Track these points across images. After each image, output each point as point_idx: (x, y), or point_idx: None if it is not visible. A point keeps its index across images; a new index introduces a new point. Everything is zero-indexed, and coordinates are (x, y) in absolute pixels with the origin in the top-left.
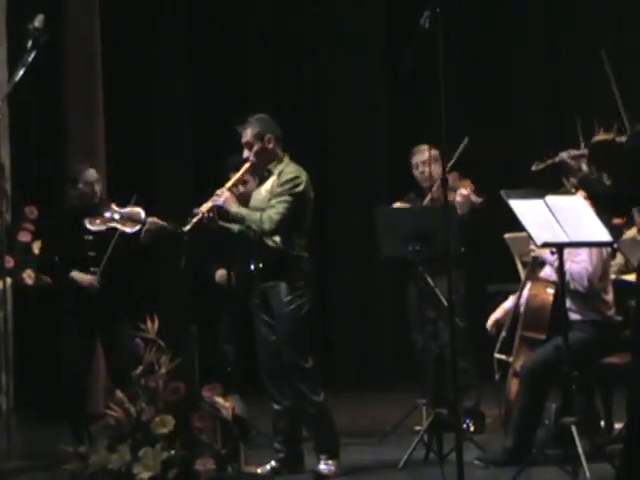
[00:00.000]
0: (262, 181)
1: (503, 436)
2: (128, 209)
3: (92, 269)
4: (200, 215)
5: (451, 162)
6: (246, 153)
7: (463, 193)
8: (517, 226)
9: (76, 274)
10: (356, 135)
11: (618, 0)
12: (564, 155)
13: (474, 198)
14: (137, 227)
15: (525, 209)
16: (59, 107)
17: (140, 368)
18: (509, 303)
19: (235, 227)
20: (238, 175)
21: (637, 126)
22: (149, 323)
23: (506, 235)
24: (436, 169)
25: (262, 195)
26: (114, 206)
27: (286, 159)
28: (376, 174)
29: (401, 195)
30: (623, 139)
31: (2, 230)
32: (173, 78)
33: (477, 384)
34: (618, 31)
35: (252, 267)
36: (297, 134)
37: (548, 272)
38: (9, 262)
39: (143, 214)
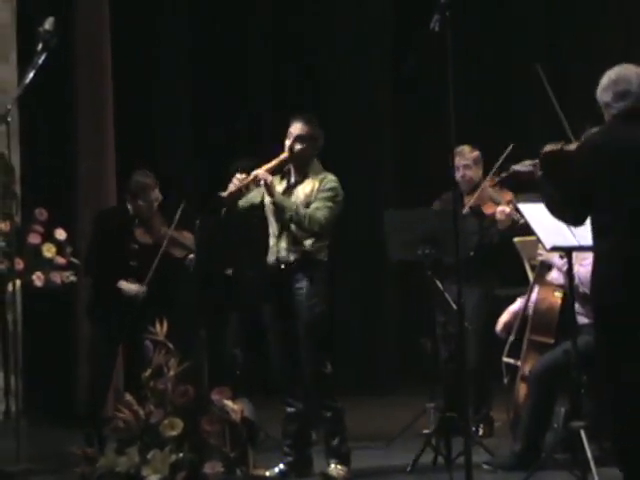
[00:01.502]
0: (293, 182)
1: (512, 440)
2: (181, 234)
3: (130, 279)
4: (239, 184)
5: (494, 169)
6: (291, 144)
7: (505, 211)
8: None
9: (123, 284)
10: (357, 135)
11: (618, 0)
12: (516, 167)
13: (517, 217)
14: (184, 253)
15: (534, 213)
16: (68, 110)
17: (149, 371)
18: (516, 306)
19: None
20: (275, 162)
21: (587, 132)
22: (158, 326)
23: (515, 239)
24: (477, 172)
25: (300, 198)
26: (168, 227)
27: (318, 164)
28: (378, 174)
29: (411, 196)
30: (571, 147)
31: (12, 232)
32: (173, 78)
33: (491, 391)
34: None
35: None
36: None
37: (555, 276)
38: (19, 264)
39: (192, 241)
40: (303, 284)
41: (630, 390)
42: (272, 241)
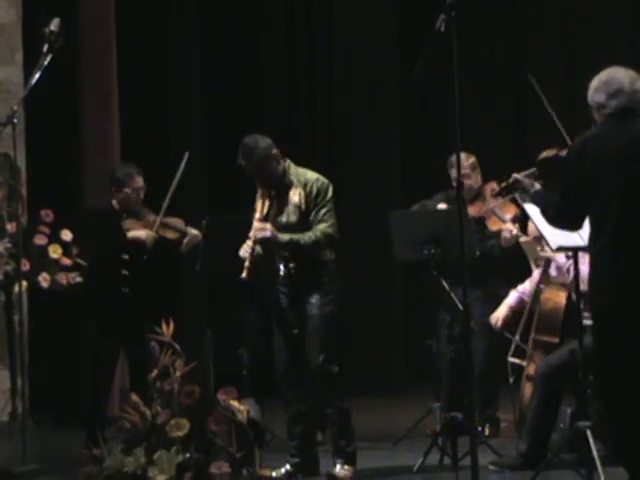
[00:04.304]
0: (275, 194)
1: (518, 440)
2: (169, 219)
3: (124, 272)
4: (251, 257)
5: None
6: (256, 180)
7: (513, 232)
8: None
9: (131, 232)
10: (361, 134)
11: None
12: (517, 175)
13: (523, 238)
14: (177, 235)
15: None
16: (74, 111)
17: (155, 371)
18: (512, 299)
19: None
20: (260, 203)
21: (576, 139)
22: (164, 326)
23: (521, 239)
24: (476, 178)
25: (290, 210)
26: (155, 214)
27: (292, 165)
28: (383, 174)
29: (415, 197)
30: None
31: (18, 233)
32: (184, 79)
33: (498, 391)
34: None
35: (281, 269)
36: (309, 133)
37: (554, 274)
38: (25, 265)
39: (183, 224)
40: (313, 285)
41: (624, 390)
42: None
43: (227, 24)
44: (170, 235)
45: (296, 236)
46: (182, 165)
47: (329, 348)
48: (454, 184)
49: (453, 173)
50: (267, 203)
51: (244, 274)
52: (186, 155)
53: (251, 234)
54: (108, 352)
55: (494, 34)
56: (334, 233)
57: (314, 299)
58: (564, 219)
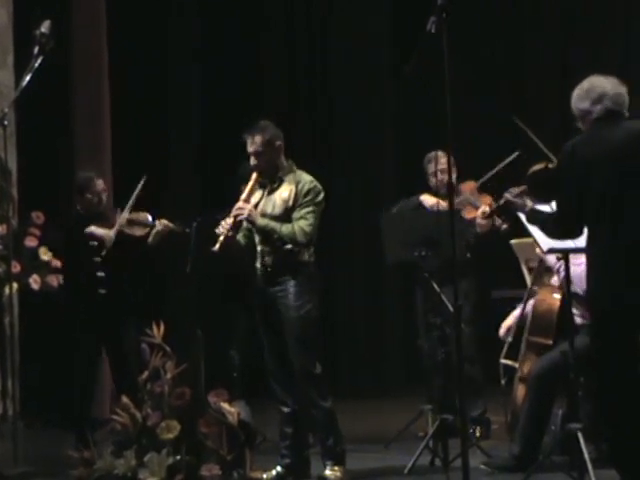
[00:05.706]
0: (269, 189)
1: (509, 442)
2: (135, 214)
3: (98, 274)
4: (226, 232)
5: (491, 173)
6: (254, 161)
7: (487, 212)
8: (523, 232)
9: (92, 227)
10: (366, 135)
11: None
12: (508, 195)
13: (498, 223)
14: (145, 230)
15: None
16: (65, 112)
17: (146, 373)
18: (519, 311)
19: (241, 239)
20: (250, 185)
21: (566, 145)
22: (155, 328)
23: (512, 241)
24: (452, 175)
25: (276, 203)
26: (121, 212)
27: (294, 167)
28: (380, 176)
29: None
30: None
31: (9, 235)
32: (180, 79)
33: (484, 392)
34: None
35: (258, 269)
36: (308, 132)
37: (557, 280)
38: (16, 267)
39: (150, 218)
40: (288, 285)
41: (620, 394)
42: (258, 247)
43: (227, 24)
44: (138, 232)
45: (274, 223)
46: (139, 186)
47: (308, 349)
48: (431, 179)
49: (430, 168)
50: (258, 192)
51: (216, 247)
52: (143, 178)
53: (232, 212)
54: (89, 352)
55: (494, 34)
56: (311, 234)
57: (290, 300)
58: (563, 228)
